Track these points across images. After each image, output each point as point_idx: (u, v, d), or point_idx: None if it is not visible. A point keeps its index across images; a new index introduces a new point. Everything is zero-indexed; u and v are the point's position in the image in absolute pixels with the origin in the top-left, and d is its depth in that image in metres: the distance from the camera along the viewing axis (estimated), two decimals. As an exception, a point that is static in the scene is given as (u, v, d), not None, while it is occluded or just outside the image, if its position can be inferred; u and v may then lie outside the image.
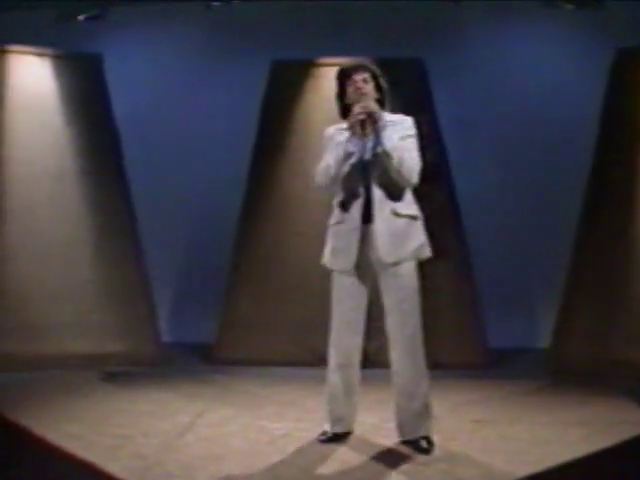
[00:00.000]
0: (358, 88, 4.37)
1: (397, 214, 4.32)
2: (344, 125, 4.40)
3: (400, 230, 4.32)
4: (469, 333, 6.73)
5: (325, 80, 6.98)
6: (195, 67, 7.79)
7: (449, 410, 5.21)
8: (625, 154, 6.60)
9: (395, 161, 4.25)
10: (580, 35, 7.45)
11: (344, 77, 4.44)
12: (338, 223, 4.41)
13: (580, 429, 4.85)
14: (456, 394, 5.70)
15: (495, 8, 7.44)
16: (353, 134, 4.27)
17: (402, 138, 4.35)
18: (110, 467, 4.10)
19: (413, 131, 4.44)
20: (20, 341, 6.49)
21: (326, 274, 4.60)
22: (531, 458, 4.30)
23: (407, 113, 4.61)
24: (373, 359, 5.77)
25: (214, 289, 7.17)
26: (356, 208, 4.33)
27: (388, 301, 4.38)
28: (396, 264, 4.33)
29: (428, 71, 6.92)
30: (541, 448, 4.49)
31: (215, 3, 7.34)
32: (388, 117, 4.42)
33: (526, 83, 7.50)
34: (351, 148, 4.26)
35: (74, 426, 4.88)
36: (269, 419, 5.06)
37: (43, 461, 4.61)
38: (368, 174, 4.32)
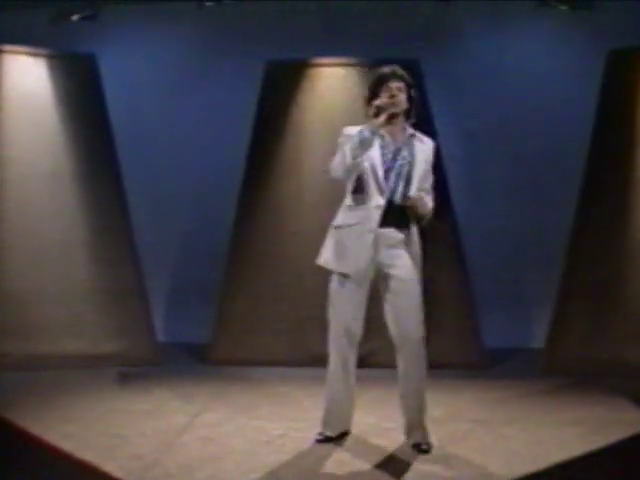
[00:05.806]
0: (393, 96, 4.37)
1: (411, 225, 4.43)
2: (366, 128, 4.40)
3: (414, 241, 4.45)
4: (465, 333, 6.74)
5: (319, 80, 7.01)
6: (189, 67, 7.78)
7: (445, 410, 5.22)
8: (619, 154, 6.63)
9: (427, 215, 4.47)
10: (574, 36, 7.47)
11: (380, 81, 4.43)
12: (350, 225, 4.41)
13: (576, 428, 4.87)
14: (452, 394, 5.72)
15: (489, 9, 7.46)
16: (375, 118, 4.25)
17: (427, 163, 4.47)
18: (108, 467, 4.10)
19: (432, 160, 4.54)
20: (16, 341, 6.49)
21: (322, 274, 4.59)
22: (527, 458, 4.32)
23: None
24: (367, 360, 5.79)
25: (209, 289, 7.16)
26: (375, 211, 4.34)
27: (392, 305, 4.40)
28: (402, 269, 4.38)
29: (423, 72, 6.92)
30: (537, 448, 4.51)
31: (208, 3, 7.34)
32: (415, 132, 4.49)
33: (521, 84, 7.52)
34: (366, 134, 4.23)
35: (71, 426, 4.88)
36: (266, 419, 5.07)
37: (40, 461, 4.61)
38: (395, 182, 4.37)
